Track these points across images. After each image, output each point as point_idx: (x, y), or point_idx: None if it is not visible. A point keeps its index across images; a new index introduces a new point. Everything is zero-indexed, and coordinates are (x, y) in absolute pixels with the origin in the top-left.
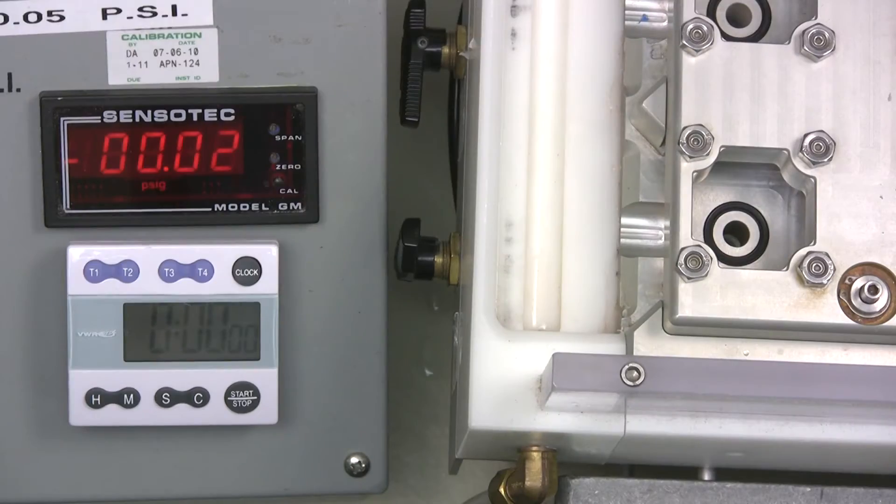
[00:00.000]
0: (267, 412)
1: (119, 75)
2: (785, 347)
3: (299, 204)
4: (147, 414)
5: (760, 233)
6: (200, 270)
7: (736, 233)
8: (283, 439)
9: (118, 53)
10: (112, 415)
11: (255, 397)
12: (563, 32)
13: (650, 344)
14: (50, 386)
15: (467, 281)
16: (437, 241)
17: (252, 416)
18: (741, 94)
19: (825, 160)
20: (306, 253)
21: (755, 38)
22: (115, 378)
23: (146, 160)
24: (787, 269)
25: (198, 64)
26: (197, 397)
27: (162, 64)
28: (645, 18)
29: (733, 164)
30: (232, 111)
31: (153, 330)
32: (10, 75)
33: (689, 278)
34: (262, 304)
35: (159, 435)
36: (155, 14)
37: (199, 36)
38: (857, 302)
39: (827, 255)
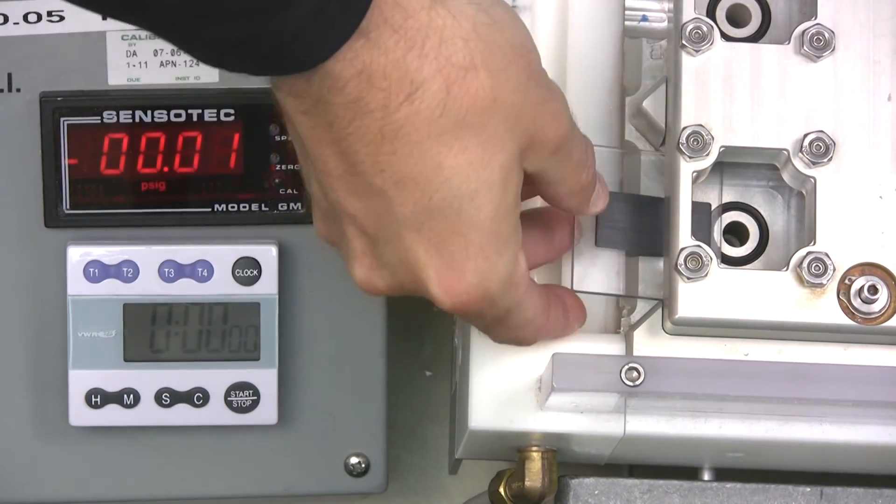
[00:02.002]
0: (267, 412)
1: (119, 75)
2: (785, 347)
3: (299, 204)
4: (147, 414)
5: (760, 233)
6: (200, 270)
7: (736, 233)
8: (282, 439)
9: (118, 54)
10: (112, 415)
11: (255, 397)
12: (563, 32)
13: (650, 344)
14: (50, 386)
15: None
16: None
17: (252, 416)
18: (741, 94)
19: (825, 160)
20: (306, 253)
21: (755, 38)
22: (115, 378)
23: (146, 160)
24: (786, 270)
25: (198, 64)
26: (197, 397)
27: (162, 64)
28: (645, 18)
29: (733, 164)
30: (232, 111)
31: (153, 330)
32: (10, 75)
33: (688, 278)
34: (262, 305)
35: (159, 435)
36: None
37: None
38: (856, 302)
39: (827, 255)
